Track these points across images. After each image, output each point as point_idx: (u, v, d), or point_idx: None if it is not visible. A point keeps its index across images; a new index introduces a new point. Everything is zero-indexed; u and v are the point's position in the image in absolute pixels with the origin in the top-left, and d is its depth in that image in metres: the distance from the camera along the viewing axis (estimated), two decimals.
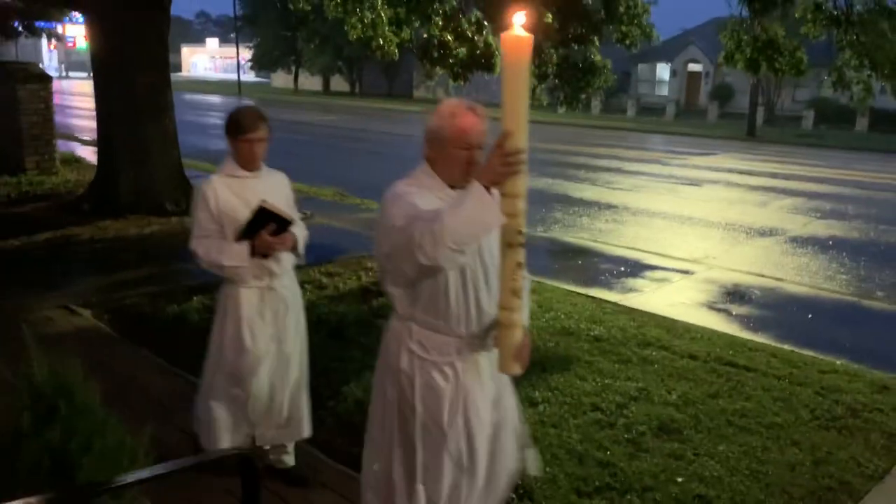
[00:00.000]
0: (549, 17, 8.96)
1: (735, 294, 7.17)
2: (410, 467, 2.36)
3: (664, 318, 6.08)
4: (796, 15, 5.91)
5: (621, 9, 9.01)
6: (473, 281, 2.28)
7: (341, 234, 8.59)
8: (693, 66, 43.84)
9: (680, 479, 3.55)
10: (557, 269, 8.00)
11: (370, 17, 10.13)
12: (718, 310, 6.66)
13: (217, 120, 28.47)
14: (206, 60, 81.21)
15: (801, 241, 9.71)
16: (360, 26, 10.10)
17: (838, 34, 5.60)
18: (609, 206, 11.81)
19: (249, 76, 59.39)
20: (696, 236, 9.91)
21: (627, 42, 8.95)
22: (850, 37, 5.52)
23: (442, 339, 2.32)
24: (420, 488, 2.35)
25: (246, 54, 52.93)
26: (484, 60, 10.04)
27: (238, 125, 3.11)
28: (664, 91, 45.01)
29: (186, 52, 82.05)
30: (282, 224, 3.07)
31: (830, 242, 9.66)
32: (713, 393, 4.58)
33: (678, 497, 3.41)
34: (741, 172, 17.17)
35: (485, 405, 2.38)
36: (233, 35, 55.53)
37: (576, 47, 10.17)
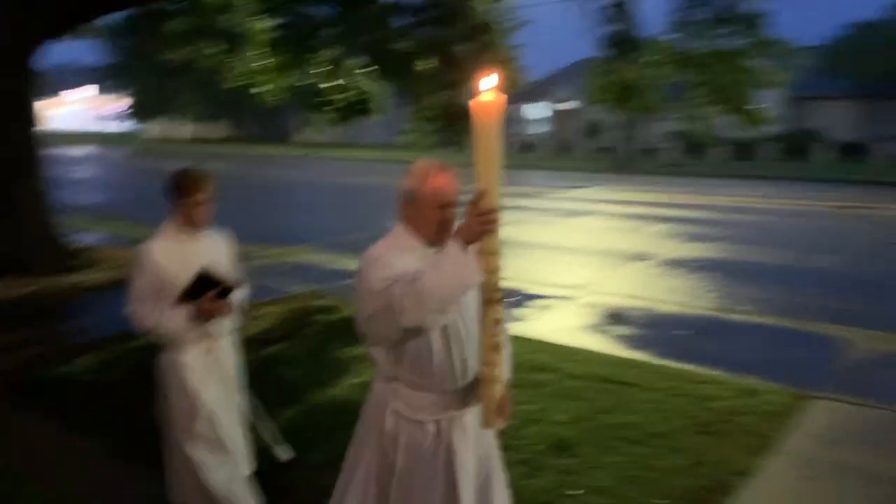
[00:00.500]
0: (426, 64, 9.34)
1: (615, 316, 7.62)
2: None
3: (551, 344, 6.40)
4: (648, 59, 6.51)
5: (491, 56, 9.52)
6: (456, 338, 2.30)
7: None
8: (563, 106, 46.07)
9: (571, 493, 3.78)
10: None
11: (247, 64, 10.19)
12: (601, 332, 7.07)
13: (86, 174, 27.30)
14: (77, 111, 77.69)
15: (671, 264, 10.43)
16: (236, 73, 10.14)
17: (685, 75, 6.23)
18: None
19: (125, 125, 57.23)
20: (576, 264, 10.44)
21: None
22: (696, 77, 6.15)
23: (427, 398, 2.35)
24: None
25: (121, 103, 51.06)
26: (362, 106, 10.28)
27: (183, 187, 3.06)
28: (538, 129, 47.01)
29: (53, 103, 78.24)
30: (224, 289, 3.04)
31: (698, 264, 10.43)
32: (601, 409, 4.88)
33: (568, 501, 3.64)
34: (614, 202, 18.20)
35: (470, 461, 2.40)
36: (107, 83, 53.47)
37: (452, 91, 10.63)
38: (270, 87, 10.12)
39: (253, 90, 10.35)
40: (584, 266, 10.34)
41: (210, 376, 3.18)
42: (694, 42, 6.19)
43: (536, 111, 47.06)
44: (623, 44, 6.33)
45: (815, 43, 32.78)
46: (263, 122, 50.84)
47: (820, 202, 18.45)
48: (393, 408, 2.36)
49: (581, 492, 3.80)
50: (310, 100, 10.16)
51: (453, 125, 10.65)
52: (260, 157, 36.60)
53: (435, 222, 2.28)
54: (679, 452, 4.29)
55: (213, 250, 3.20)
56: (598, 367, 5.70)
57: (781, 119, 25.49)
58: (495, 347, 2.21)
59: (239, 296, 3.19)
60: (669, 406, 4.98)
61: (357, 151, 41.20)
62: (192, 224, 3.09)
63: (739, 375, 5.68)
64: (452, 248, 2.06)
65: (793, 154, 32.53)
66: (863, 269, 10.14)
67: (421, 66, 9.59)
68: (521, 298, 8.28)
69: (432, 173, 2.29)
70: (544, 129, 46.00)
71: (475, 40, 9.47)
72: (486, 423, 2.32)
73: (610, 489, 3.82)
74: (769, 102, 6.00)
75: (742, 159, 31.55)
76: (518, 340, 6.35)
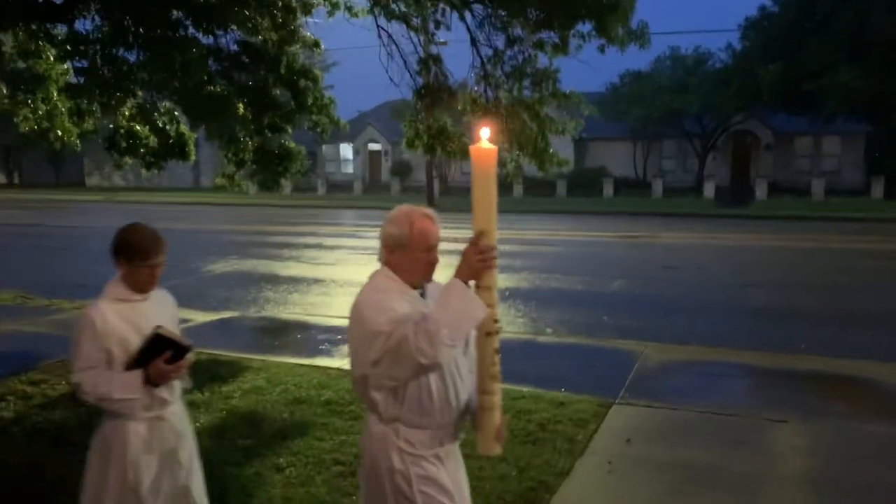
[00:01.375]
0: (241, 108, 9.41)
1: None
2: None
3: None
4: (458, 107, 7.16)
5: (310, 101, 9.78)
6: (450, 373, 2.41)
7: (37, 340, 7.97)
8: (373, 146, 47.11)
9: None
10: (279, 345, 8.31)
11: (45, 108, 9.69)
12: None
13: None
14: None
15: None
16: (32, 118, 9.60)
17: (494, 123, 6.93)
18: (317, 281, 12.41)
19: None
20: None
21: (319, 130, 9.72)
22: (500, 124, 6.86)
23: (427, 434, 2.43)
24: None
25: None
26: (178, 149, 10.11)
27: (138, 249, 2.86)
28: (349, 169, 47.63)
29: None
30: (178, 350, 2.88)
31: (507, 293, 11.28)
32: None
33: None
34: None
35: (464, 489, 2.58)
36: None
37: (269, 135, 10.74)
38: (73, 130, 9.68)
39: (52, 135, 9.83)
40: None
41: (155, 451, 2.93)
42: (498, 93, 6.94)
43: (348, 152, 47.72)
44: (436, 94, 6.93)
45: (596, 89, 36.34)
46: (56, 166, 47.10)
47: (609, 232, 20.51)
48: (397, 447, 2.41)
49: None
50: (117, 143, 9.82)
51: (268, 168, 10.75)
52: (49, 204, 33.80)
53: (422, 264, 2.41)
54: (505, 462, 4.75)
55: (160, 310, 3.01)
56: None
57: (571, 159, 27.92)
58: (494, 377, 2.34)
59: (190, 357, 2.96)
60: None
61: (161, 195, 39.34)
62: (145, 286, 2.93)
63: (551, 390, 6.33)
64: (456, 285, 2.20)
65: (583, 190, 35.62)
66: (649, 290, 11.51)
67: (235, 109, 9.66)
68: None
69: (417, 219, 2.41)
70: (357, 169, 46.72)
71: (293, 84, 9.70)
72: (484, 448, 2.46)
73: None
74: (561, 145, 6.84)
75: (539, 195, 34.01)
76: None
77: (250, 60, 9.78)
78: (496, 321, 2.30)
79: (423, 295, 2.46)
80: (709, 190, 33.37)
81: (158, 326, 2.86)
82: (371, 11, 8.30)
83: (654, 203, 30.28)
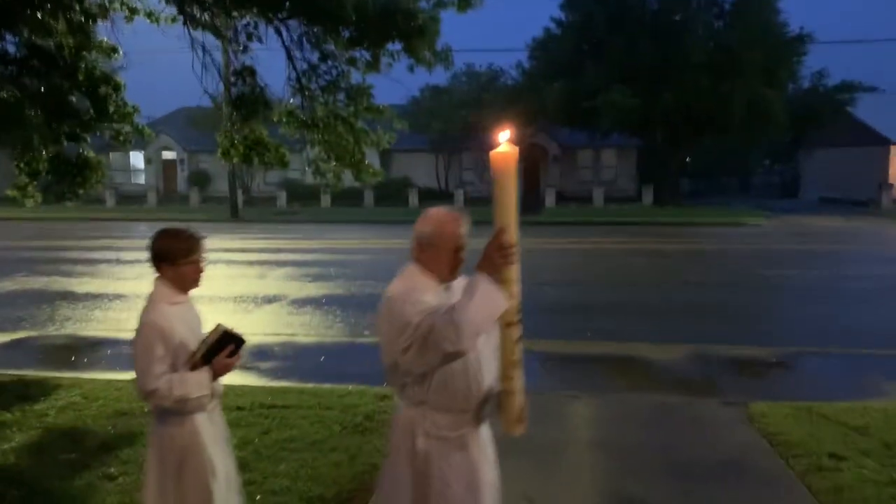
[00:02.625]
0: (34, 116, 8.89)
1: (259, 353, 8.22)
2: None
3: None
4: (274, 119, 7.35)
5: (111, 108, 9.44)
6: (475, 360, 2.58)
7: None
8: (167, 154, 44.83)
9: (258, 497, 4.34)
10: (89, 362, 7.97)
11: None
12: (248, 368, 7.60)
13: None
14: None
15: (300, 302, 11.36)
16: None
17: (308, 134, 7.20)
18: (119, 296, 11.86)
19: None
20: (210, 312, 10.61)
21: (121, 139, 9.40)
22: (317, 136, 7.16)
23: (452, 418, 2.60)
24: None
25: None
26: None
27: (179, 249, 2.94)
28: (141, 179, 44.96)
29: None
30: (239, 343, 3.05)
31: (324, 300, 11.54)
32: (265, 430, 5.48)
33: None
34: (235, 251, 18.66)
35: (489, 471, 2.71)
36: None
37: (66, 144, 10.16)
38: None
39: None
40: (220, 312, 10.69)
41: (219, 440, 3.10)
42: (314, 106, 7.22)
43: (139, 160, 45.02)
44: (252, 105, 7.07)
45: (399, 102, 37.41)
46: None
47: None
48: (423, 429, 2.60)
49: (258, 497, 4.36)
50: None
51: (64, 179, 10.19)
52: None
53: (449, 263, 2.57)
54: (337, 451, 5.11)
55: (195, 309, 3.14)
56: (255, 398, 6.27)
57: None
58: (515, 363, 2.51)
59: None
60: (323, 418, 5.78)
61: None
62: (191, 285, 3.02)
63: (374, 386, 6.73)
64: (481, 279, 2.34)
65: (389, 199, 36.48)
66: None
67: (28, 117, 9.11)
68: None
69: (449, 220, 2.59)
70: (150, 179, 44.20)
71: (92, 92, 9.33)
72: (508, 429, 2.64)
73: (288, 489, 4.47)
74: (368, 156, 7.28)
75: (347, 206, 34.36)
76: None
77: (42, 65, 9.29)
78: (518, 312, 2.45)
79: (447, 290, 2.62)
80: None
81: (220, 324, 3.02)
82: (176, 20, 8.24)
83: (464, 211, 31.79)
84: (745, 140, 33.86)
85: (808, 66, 39.34)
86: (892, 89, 42.24)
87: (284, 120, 7.28)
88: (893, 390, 6.76)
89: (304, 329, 9.56)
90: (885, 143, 36.02)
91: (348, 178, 7.77)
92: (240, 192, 33.09)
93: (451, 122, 36.93)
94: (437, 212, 2.64)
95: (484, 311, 2.34)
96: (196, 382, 2.92)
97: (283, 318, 10.32)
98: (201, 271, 3.04)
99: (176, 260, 2.97)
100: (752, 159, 52.97)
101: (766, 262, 16.57)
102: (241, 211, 31.47)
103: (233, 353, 3.04)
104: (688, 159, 47.28)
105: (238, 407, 5.98)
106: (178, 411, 2.93)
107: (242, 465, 4.73)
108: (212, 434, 3.04)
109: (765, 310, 11.23)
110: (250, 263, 16.21)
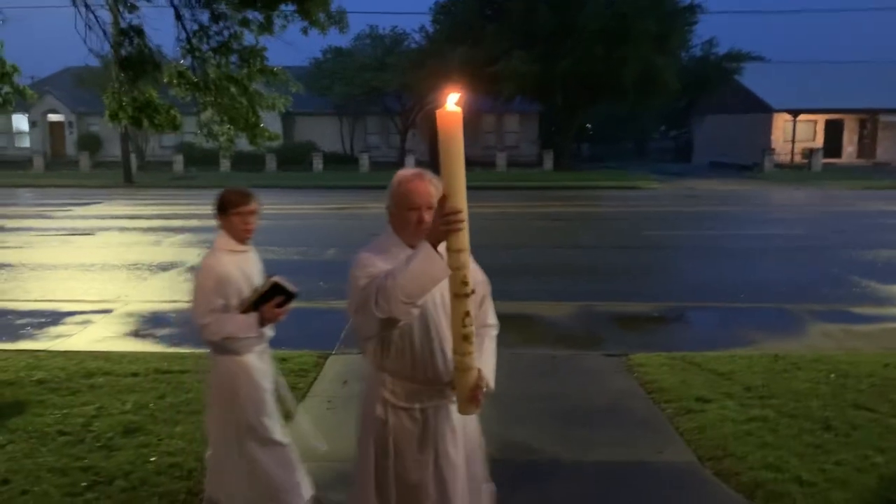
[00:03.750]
0: None
1: (154, 320, 8.10)
2: None
3: (99, 352, 6.64)
4: (165, 80, 7.16)
5: None
6: (437, 331, 2.51)
7: None
8: (54, 117, 42.39)
9: (153, 458, 4.38)
10: None
11: None
12: (145, 335, 7.51)
13: None
14: None
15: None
16: None
17: (200, 97, 7.06)
18: (3, 265, 11.32)
19: None
20: (105, 280, 10.44)
21: (1, 101, 8.92)
22: (210, 99, 7.04)
23: (412, 387, 2.55)
24: None
25: None
26: None
27: (229, 201, 3.34)
28: (25, 143, 42.37)
29: None
30: (289, 296, 3.33)
31: None
32: (160, 395, 5.47)
33: (151, 465, 4.25)
34: (130, 217, 18.04)
35: (455, 449, 2.60)
36: None
37: None
38: None
39: None
40: (115, 280, 10.41)
41: (266, 378, 3.49)
42: (206, 67, 7.07)
43: (23, 123, 42.34)
44: (140, 65, 6.85)
45: (301, 64, 36.59)
46: None
47: (321, 206, 21.20)
48: (381, 396, 2.57)
49: (153, 458, 4.40)
50: None
51: None
52: None
53: (410, 223, 2.47)
54: None
55: (256, 262, 3.47)
56: (152, 363, 6.23)
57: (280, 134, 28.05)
58: (466, 338, 2.35)
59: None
60: None
61: None
62: (242, 235, 3.38)
63: (273, 349, 6.77)
64: (422, 245, 2.25)
65: (292, 164, 35.87)
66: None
67: None
68: (57, 317, 8.15)
69: (406, 179, 2.51)
70: (35, 143, 41.68)
71: None
72: (460, 409, 2.50)
73: (183, 450, 4.52)
74: (269, 119, 7.15)
75: (248, 171, 33.56)
76: (65, 355, 6.48)
77: None
78: (465, 283, 2.29)
79: None
80: (410, 164, 35.61)
81: (275, 275, 3.31)
82: None
83: (363, 177, 31.62)
84: (637, 105, 35.03)
85: (699, 35, 41.00)
86: (776, 58, 44.62)
87: (175, 82, 7.11)
88: (761, 339, 7.36)
89: None
90: (769, 110, 38.11)
91: (247, 143, 7.66)
92: (133, 157, 31.75)
93: (355, 86, 36.48)
94: (400, 172, 2.58)
95: (418, 278, 2.25)
96: (243, 324, 3.28)
97: (180, 285, 10.14)
98: (249, 224, 3.38)
99: (226, 211, 3.36)
100: (648, 125, 54.95)
101: (656, 223, 17.42)
102: (135, 176, 30.23)
103: (281, 306, 3.34)
104: (588, 125, 48.63)
105: (133, 373, 5.94)
106: (230, 350, 3.34)
107: (137, 429, 4.80)
108: (261, 370, 3.44)
109: (651, 269, 11.88)
110: (145, 230, 15.72)
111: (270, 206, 20.69)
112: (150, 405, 5.26)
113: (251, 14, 7.00)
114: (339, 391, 5.72)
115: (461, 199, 2.23)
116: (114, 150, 35.98)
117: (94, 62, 16.73)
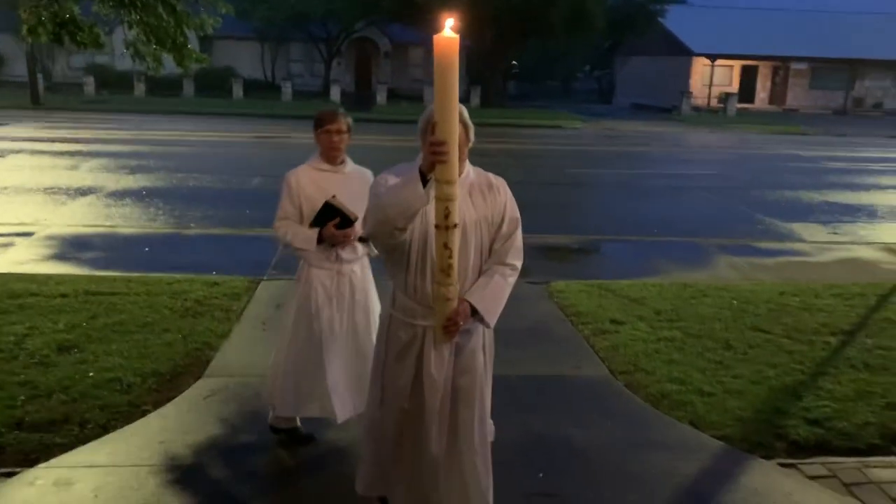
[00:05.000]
0: None
1: (77, 244, 7.96)
2: (373, 398, 2.86)
3: (24, 274, 6.54)
4: None
5: None
6: (432, 258, 2.53)
7: None
8: None
9: (91, 374, 4.46)
10: None
11: None
12: (69, 258, 7.39)
13: None
14: None
15: (119, 195, 10.91)
16: None
17: (125, 15, 6.81)
18: None
19: None
20: (19, 203, 10.08)
21: None
22: (135, 17, 6.80)
23: (408, 303, 2.67)
24: (375, 415, 2.84)
25: None
26: None
27: (318, 119, 3.49)
28: None
29: None
30: (345, 220, 3.37)
31: (144, 192, 11.15)
32: (92, 315, 5.49)
33: (89, 379, 4.34)
34: (41, 140, 17.22)
35: (438, 371, 2.66)
36: None
37: None
38: None
39: None
40: (30, 204, 10.08)
41: (332, 297, 3.54)
42: None
43: None
44: None
45: None
46: None
47: (244, 134, 20.73)
48: (389, 302, 2.78)
49: (91, 374, 4.48)
50: None
51: None
52: None
53: (427, 152, 2.32)
54: (170, 332, 5.27)
55: (347, 183, 3.50)
56: (81, 285, 6.19)
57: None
58: (444, 269, 2.40)
59: (359, 229, 3.41)
60: (151, 303, 5.87)
61: None
62: (329, 153, 3.51)
63: (201, 274, 6.83)
64: (411, 173, 2.32)
65: (211, 90, 34.57)
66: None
67: None
68: None
69: (428, 111, 2.47)
70: None
71: None
72: (435, 336, 2.60)
73: (121, 366, 4.61)
74: (191, 43, 6.93)
75: (164, 96, 32.21)
76: None
77: None
78: (447, 216, 2.31)
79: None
80: (335, 94, 34.89)
81: (332, 196, 3.39)
82: None
83: (286, 106, 30.81)
84: (565, 42, 35.19)
85: None
86: (699, 2, 45.39)
87: None
88: (672, 269, 7.86)
89: (126, 221, 9.28)
90: (689, 53, 39.01)
91: (168, 65, 7.45)
92: (40, 77, 29.92)
93: (278, 11, 35.18)
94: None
95: (396, 203, 2.33)
96: (303, 237, 3.48)
97: (101, 210, 9.91)
98: (335, 142, 3.50)
99: (315, 129, 3.54)
100: (574, 65, 55.35)
101: (578, 161, 17.89)
102: (42, 98, 28.57)
103: (342, 227, 3.43)
104: (514, 63, 48.60)
105: (61, 294, 5.91)
106: (304, 259, 3.59)
107: (71, 347, 4.84)
108: (326, 289, 3.55)
109: (573, 204, 12.31)
110: (59, 154, 15.08)
111: (191, 133, 20.13)
112: (83, 324, 5.29)
113: None
114: (272, 314, 5.85)
115: (450, 131, 2.21)
116: (17, 69, 33.77)
117: None
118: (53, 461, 3.57)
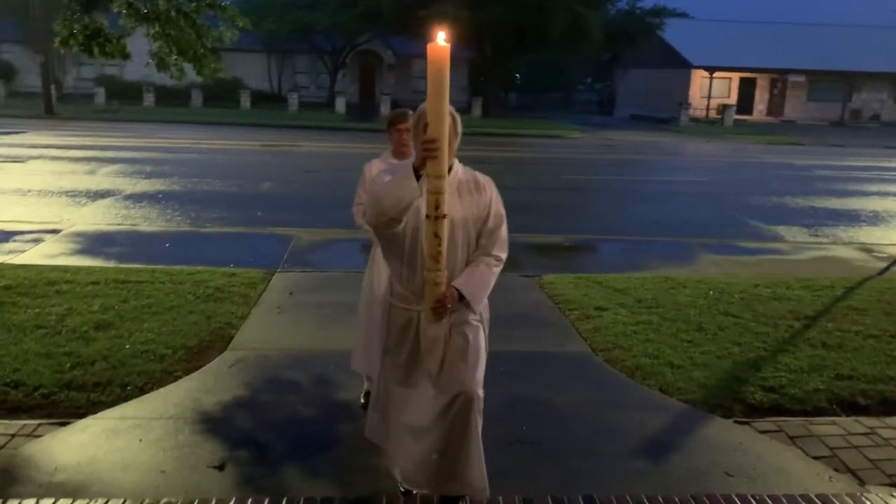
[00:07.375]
0: None
1: (101, 240, 8.52)
2: (380, 373, 3.16)
3: (57, 266, 7.11)
4: (114, 10, 7.44)
5: None
6: (423, 248, 2.74)
7: None
8: None
9: (127, 347, 5.02)
10: None
11: None
12: (96, 252, 7.95)
13: None
14: None
15: (136, 197, 11.50)
16: None
17: (149, 27, 7.39)
18: None
19: None
20: (43, 204, 10.67)
21: None
22: (158, 30, 7.38)
23: (402, 291, 2.92)
24: (381, 388, 3.14)
25: None
26: None
27: (391, 119, 3.89)
28: None
29: None
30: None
31: (160, 195, 11.74)
32: (123, 300, 6.04)
33: (126, 350, 4.89)
34: (58, 147, 17.86)
35: (431, 357, 2.91)
36: None
37: None
38: None
39: None
40: (53, 205, 10.66)
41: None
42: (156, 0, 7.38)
43: None
44: None
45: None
46: None
47: (253, 142, 21.35)
48: (388, 287, 3.06)
49: (128, 347, 5.03)
50: None
51: None
52: None
53: (416, 149, 2.65)
54: (194, 314, 5.82)
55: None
56: (110, 275, 6.75)
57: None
58: (433, 256, 2.62)
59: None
60: (176, 290, 6.41)
61: None
62: (398, 150, 3.88)
63: (219, 267, 7.37)
64: (404, 168, 2.55)
65: (218, 101, 35.23)
66: (295, 190, 12.92)
67: None
68: (6, 235, 8.48)
69: (419, 112, 2.73)
70: None
71: None
72: (426, 318, 2.83)
73: (153, 340, 5.16)
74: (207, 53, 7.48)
75: (173, 106, 32.87)
76: (17, 268, 6.92)
77: None
78: (437, 207, 2.53)
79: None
80: (340, 105, 35.57)
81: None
82: None
83: (292, 116, 31.52)
84: (563, 54, 35.76)
85: None
86: (699, 16, 46.12)
87: (124, 12, 7.41)
88: (656, 265, 8.38)
89: (145, 220, 9.87)
90: (688, 66, 39.68)
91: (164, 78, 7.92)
92: (55, 89, 30.62)
93: (284, 23, 35.90)
94: (422, 106, 2.76)
95: (391, 195, 2.54)
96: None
97: (121, 210, 10.49)
98: (403, 140, 3.84)
99: (387, 128, 3.95)
100: (575, 77, 56.08)
101: (575, 168, 18.46)
102: (55, 107, 29.27)
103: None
104: (517, 74, 49.32)
105: (93, 282, 6.47)
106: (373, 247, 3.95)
107: (107, 325, 5.39)
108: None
109: (568, 207, 12.86)
110: (76, 160, 15.70)
111: (202, 141, 20.75)
112: (116, 307, 5.84)
113: None
114: (287, 300, 6.41)
115: (440, 130, 2.45)
116: (30, 80, 34.51)
117: None
118: (100, 414, 4.12)
